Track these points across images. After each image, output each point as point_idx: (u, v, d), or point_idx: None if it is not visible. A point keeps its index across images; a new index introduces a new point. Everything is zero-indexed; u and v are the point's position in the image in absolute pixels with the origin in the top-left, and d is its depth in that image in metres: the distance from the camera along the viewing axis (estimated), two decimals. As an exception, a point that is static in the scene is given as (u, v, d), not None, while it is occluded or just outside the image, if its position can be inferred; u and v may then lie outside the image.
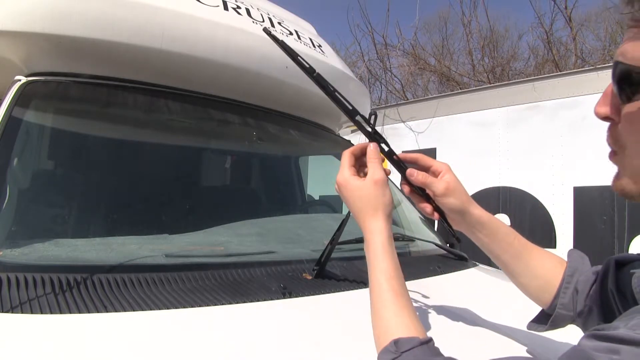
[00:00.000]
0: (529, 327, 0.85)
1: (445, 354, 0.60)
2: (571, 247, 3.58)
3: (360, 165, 0.82)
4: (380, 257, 0.70)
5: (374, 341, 0.66)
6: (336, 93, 0.82)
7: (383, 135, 0.83)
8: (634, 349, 0.40)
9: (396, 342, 0.61)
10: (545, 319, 0.82)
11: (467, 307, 1.10)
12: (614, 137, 0.57)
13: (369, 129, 0.82)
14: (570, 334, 0.93)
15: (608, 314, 0.73)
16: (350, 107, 0.83)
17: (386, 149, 0.83)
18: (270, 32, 0.86)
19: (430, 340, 0.62)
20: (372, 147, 0.79)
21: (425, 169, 0.84)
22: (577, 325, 0.80)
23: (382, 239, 0.71)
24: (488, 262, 1.47)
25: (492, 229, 0.82)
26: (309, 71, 0.82)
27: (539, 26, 8.49)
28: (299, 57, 0.83)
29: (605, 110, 0.57)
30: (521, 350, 0.88)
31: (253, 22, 1.53)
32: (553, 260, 0.83)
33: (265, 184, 2.11)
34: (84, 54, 1.24)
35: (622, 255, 0.74)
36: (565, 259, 0.84)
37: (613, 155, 0.59)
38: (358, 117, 0.83)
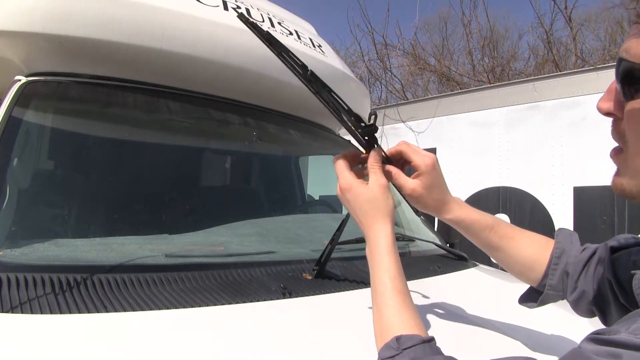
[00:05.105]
0: (520, 302, 0.87)
1: (446, 353, 0.60)
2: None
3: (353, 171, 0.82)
4: (385, 258, 0.71)
5: (374, 339, 0.66)
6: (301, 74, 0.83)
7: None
8: (635, 354, 0.40)
9: (398, 339, 0.61)
10: (535, 297, 0.84)
11: (467, 307, 1.10)
12: (619, 133, 0.56)
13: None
14: (572, 334, 0.93)
15: (601, 299, 0.74)
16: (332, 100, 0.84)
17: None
18: (246, 17, 0.86)
19: (432, 339, 0.62)
20: (373, 153, 0.80)
21: (408, 163, 0.84)
22: (569, 304, 0.81)
23: (388, 241, 0.72)
24: (488, 262, 1.47)
25: (464, 227, 0.84)
26: (277, 52, 0.83)
27: (539, 26, 8.50)
28: (267, 39, 0.84)
29: (609, 106, 0.56)
30: (521, 350, 0.88)
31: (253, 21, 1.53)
32: (538, 243, 0.84)
33: (265, 184, 2.11)
34: (84, 54, 1.24)
35: (616, 239, 0.74)
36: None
37: (615, 153, 0.58)
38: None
